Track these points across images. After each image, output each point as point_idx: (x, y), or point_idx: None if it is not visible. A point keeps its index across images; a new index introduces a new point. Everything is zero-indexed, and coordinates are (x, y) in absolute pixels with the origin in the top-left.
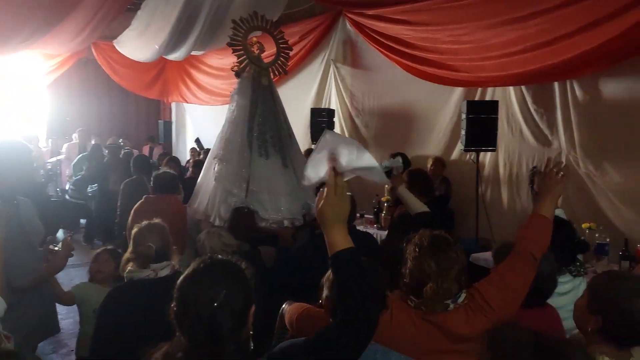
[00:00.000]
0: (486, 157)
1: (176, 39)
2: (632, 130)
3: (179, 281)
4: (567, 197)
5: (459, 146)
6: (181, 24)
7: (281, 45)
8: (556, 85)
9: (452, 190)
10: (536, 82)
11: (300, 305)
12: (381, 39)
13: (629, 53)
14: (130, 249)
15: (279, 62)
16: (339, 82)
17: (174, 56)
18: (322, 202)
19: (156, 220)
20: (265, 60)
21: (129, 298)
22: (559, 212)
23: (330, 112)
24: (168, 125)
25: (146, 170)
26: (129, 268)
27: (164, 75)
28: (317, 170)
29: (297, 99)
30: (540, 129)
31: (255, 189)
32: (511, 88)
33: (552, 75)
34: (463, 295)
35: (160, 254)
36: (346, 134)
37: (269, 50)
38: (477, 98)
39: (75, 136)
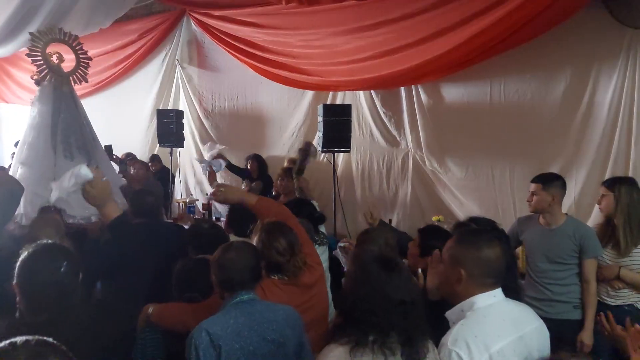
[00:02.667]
0: (339, 157)
1: (7, 33)
2: (471, 131)
3: (21, 260)
4: (414, 192)
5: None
6: (17, 18)
7: (80, 56)
8: (403, 90)
9: (309, 189)
10: (384, 87)
11: (164, 305)
12: (230, 41)
13: (468, 61)
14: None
15: (79, 71)
16: (186, 82)
17: None
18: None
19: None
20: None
21: None
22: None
23: (179, 114)
24: None
25: None
26: None
27: None
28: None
29: (135, 99)
30: (389, 131)
31: None
32: (361, 92)
33: (398, 80)
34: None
35: None
36: (196, 136)
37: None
38: (328, 101)
39: None
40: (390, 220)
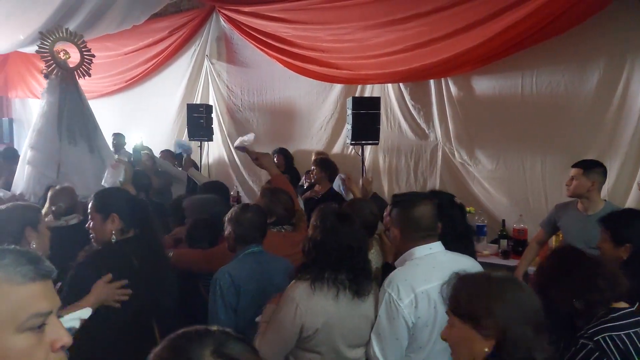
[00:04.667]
0: (367, 150)
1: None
2: (501, 123)
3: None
4: (443, 184)
5: (342, 140)
6: (59, 15)
7: (84, 53)
8: (432, 82)
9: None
10: (413, 80)
11: (182, 251)
12: (259, 36)
13: (498, 54)
14: (47, 205)
15: (83, 66)
16: (215, 78)
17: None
18: None
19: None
20: None
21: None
22: None
23: (208, 108)
24: (12, 123)
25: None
26: (47, 219)
27: (5, 69)
28: None
29: (164, 95)
30: (418, 123)
31: (65, 171)
32: (389, 85)
33: (428, 73)
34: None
35: (69, 209)
36: (225, 130)
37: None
38: (357, 94)
39: None
40: None
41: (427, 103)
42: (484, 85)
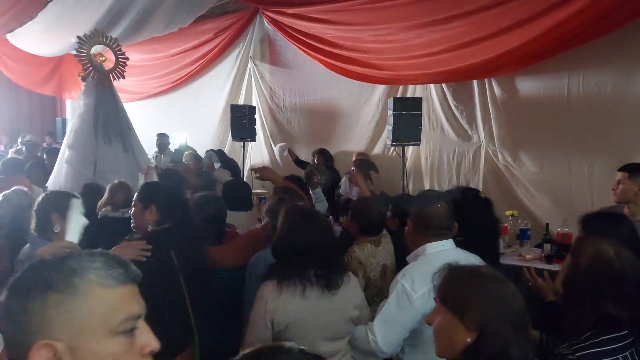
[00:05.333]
0: (408, 151)
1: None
2: (546, 125)
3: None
4: (486, 187)
5: (383, 141)
6: (109, 17)
7: (119, 57)
8: (475, 83)
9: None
10: (456, 80)
11: (220, 248)
12: (302, 37)
13: (543, 54)
14: (106, 197)
15: (118, 69)
16: (259, 79)
17: None
18: None
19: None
20: None
21: (107, 226)
22: None
23: (251, 109)
24: (66, 123)
25: None
26: (104, 209)
27: (60, 70)
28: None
29: (209, 96)
30: (461, 124)
31: (101, 169)
32: (432, 86)
33: (471, 74)
34: None
35: (127, 202)
36: (267, 131)
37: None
38: (399, 95)
39: None
40: None
41: (470, 104)
42: (528, 86)
